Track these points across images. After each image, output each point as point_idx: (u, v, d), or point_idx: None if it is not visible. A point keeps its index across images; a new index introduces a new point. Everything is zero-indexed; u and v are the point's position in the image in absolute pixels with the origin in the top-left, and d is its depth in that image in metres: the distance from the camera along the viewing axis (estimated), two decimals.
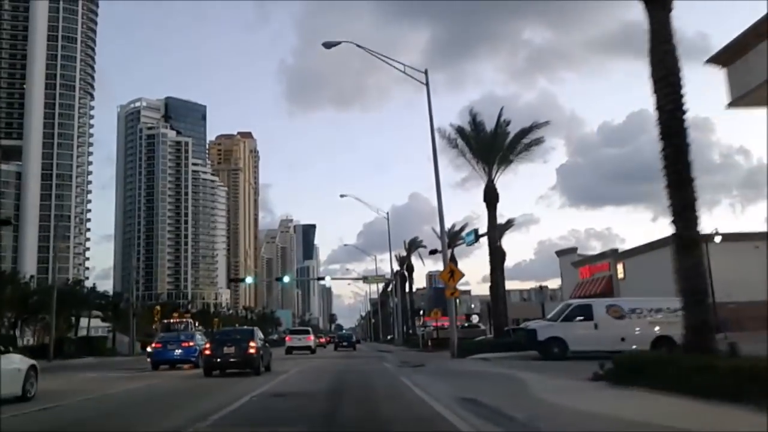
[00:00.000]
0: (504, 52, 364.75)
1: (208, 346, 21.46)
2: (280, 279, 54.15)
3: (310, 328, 54.21)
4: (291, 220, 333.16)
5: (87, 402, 13.65)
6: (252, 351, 20.39)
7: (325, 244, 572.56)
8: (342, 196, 53.86)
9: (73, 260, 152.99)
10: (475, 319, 75.17)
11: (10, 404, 12.00)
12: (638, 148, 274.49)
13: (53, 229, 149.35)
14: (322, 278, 46.85)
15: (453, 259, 52.05)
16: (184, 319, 43.81)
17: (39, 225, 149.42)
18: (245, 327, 30.26)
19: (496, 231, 27.38)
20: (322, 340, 73.33)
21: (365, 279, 51.27)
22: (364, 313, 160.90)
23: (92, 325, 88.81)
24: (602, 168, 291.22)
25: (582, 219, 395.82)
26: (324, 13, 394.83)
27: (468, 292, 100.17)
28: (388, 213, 55.67)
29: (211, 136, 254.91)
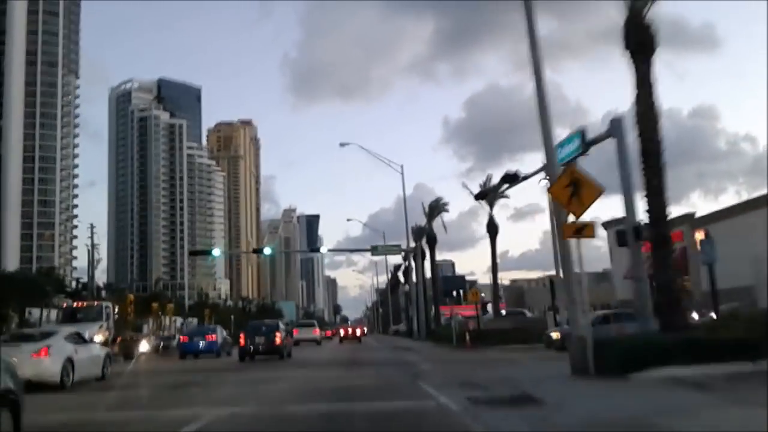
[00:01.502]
0: (508, 42, 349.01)
1: (242, 336, 24.48)
2: (260, 251, 40.17)
3: (315, 321, 54.36)
4: (294, 210, 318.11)
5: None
6: (278, 341, 23.63)
7: (330, 236, 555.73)
8: (342, 145, 39.87)
9: (59, 249, 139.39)
10: (489, 307, 65.12)
11: (95, 382, 15.40)
12: None
13: (36, 215, 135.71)
14: (317, 249, 34.03)
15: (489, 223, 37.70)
16: (97, 303, 30.16)
17: (21, 211, 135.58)
18: (273, 321, 31.05)
19: (654, 109, 12.95)
20: (328, 333, 69.33)
21: (374, 250, 36.66)
22: (369, 304, 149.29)
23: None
24: (607, 157, 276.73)
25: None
26: (329, 3, 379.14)
27: (474, 282, 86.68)
28: (402, 167, 41.50)
29: (211, 124, 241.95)
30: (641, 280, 14.62)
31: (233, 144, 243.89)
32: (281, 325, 25.31)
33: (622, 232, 14.31)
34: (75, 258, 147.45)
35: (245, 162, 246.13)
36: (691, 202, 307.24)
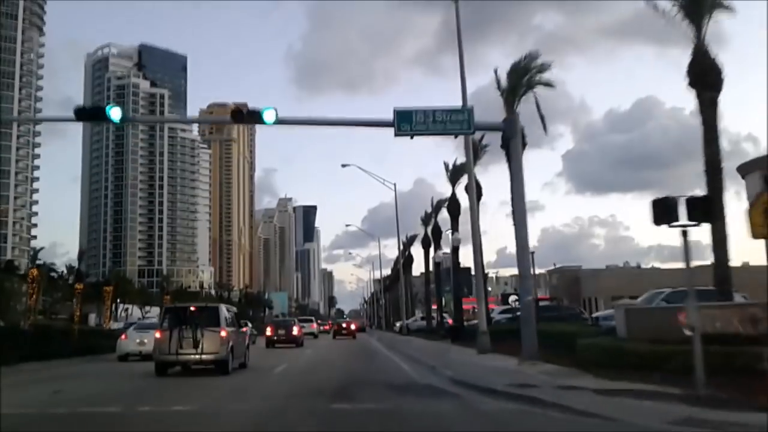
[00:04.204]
0: (514, 36, 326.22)
1: (270, 328, 32.27)
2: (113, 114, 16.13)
3: (313, 318, 57.79)
4: (290, 199, 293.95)
5: None
6: (295, 333, 30.52)
7: (328, 229, 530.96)
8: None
9: (13, 226, 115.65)
10: (512, 299, 48.09)
11: None
12: (644, 135, 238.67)
13: None
14: (258, 119, 16.51)
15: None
16: None
17: None
18: (292, 317, 40.46)
19: None
20: (326, 327, 71.77)
21: (401, 125, 14.74)
22: (367, 297, 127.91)
23: None
24: (608, 154, 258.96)
25: (587, 206, 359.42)
26: None
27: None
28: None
29: (203, 105, 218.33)
30: None
31: (226, 127, 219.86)
32: (297, 321, 34.08)
33: None
34: (34, 237, 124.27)
35: (239, 146, 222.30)
36: None
